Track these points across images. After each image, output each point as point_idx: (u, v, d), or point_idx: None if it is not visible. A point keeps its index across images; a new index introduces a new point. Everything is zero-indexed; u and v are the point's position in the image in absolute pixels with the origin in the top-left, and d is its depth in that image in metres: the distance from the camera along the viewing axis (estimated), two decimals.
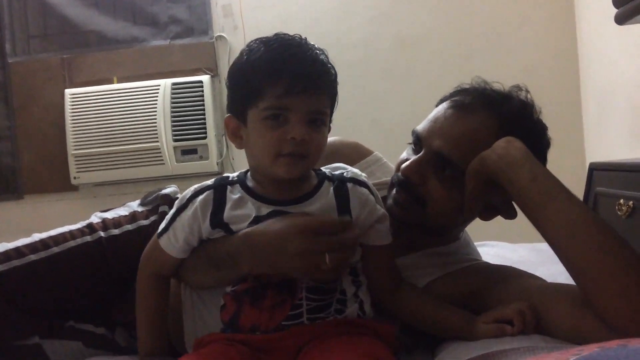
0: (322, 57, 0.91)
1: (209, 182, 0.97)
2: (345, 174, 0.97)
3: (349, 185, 0.96)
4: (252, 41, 0.93)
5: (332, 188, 0.95)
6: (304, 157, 0.89)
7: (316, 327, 0.89)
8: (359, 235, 0.93)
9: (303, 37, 0.92)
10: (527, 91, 1.08)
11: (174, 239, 0.95)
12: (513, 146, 0.93)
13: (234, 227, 0.92)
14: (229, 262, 0.91)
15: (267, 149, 0.89)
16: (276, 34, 0.92)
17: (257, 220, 0.91)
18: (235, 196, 0.94)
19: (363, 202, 0.94)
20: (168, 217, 0.97)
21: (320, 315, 0.90)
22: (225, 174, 1.00)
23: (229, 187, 0.95)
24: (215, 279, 0.95)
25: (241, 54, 0.93)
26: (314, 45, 0.92)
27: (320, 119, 0.90)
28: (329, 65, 0.92)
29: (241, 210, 0.92)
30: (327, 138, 0.94)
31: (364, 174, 1.00)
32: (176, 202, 0.98)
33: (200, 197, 0.94)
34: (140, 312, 1.00)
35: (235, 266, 0.91)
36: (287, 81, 0.85)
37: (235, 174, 0.99)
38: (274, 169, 0.90)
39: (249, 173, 0.98)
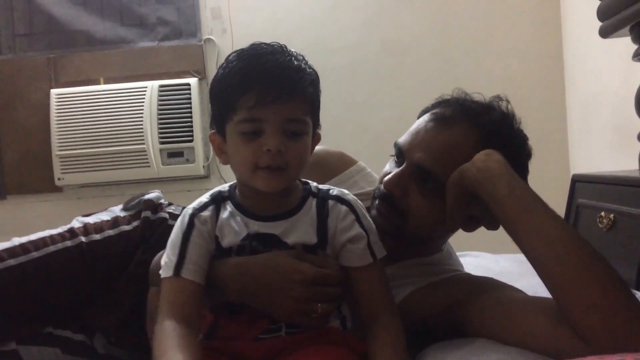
0: (296, 63, 0.88)
1: (205, 198, 0.95)
2: (331, 192, 0.96)
3: (331, 202, 0.94)
4: (229, 55, 0.92)
5: (314, 203, 0.94)
6: (283, 169, 0.87)
7: (294, 338, 0.89)
8: (332, 256, 0.93)
9: (281, 44, 0.91)
10: (508, 101, 1.08)
11: (197, 266, 0.88)
12: (492, 159, 0.93)
13: (223, 243, 0.91)
14: (217, 285, 0.90)
15: (245, 162, 0.87)
16: (252, 44, 0.91)
17: (249, 237, 0.90)
18: (227, 212, 0.93)
19: (339, 219, 0.93)
20: (174, 249, 0.90)
21: (299, 329, 0.90)
22: (217, 188, 0.98)
23: (222, 202, 0.94)
24: None
25: (219, 67, 0.91)
26: (291, 51, 0.90)
27: (298, 127, 0.88)
28: (306, 70, 0.90)
29: (231, 227, 0.92)
30: (308, 147, 0.92)
31: (350, 194, 0.98)
32: (177, 229, 0.93)
33: (205, 214, 0.92)
34: None
35: (222, 291, 0.90)
36: (257, 91, 0.84)
37: (226, 187, 0.98)
38: (253, 183, 0.89)
39: (237, 189, 0.97)
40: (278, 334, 0.89)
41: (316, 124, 0.94)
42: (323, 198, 0.95)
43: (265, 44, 0.90)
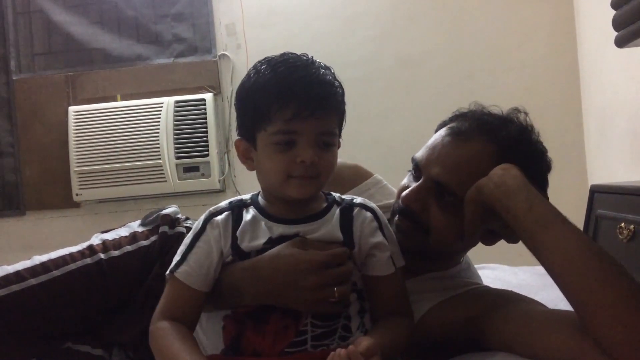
0: (328, 77, 0.90)
1: (224, 204, 0.97)
2: (354, 200, 0.98)
3: (356, 209, 0.96)
4: (258, 62, 0.93)
5: (338, 210, 0.96)
6: (314, 177, 0.90)
7: (317, 355, 0.87)
8: (358, 260, 0.93)
9: (310, 56, 0.92)
10: (526, 113, 1.07)
11: (193, 270, 0.91)
12: (509, 174, 0.92)
13: (244, 246, 0.92)
14: (231, 292, 0.90)
15: (277, 172, 0.89)
16: (282, 55, 0.92)
17: (270, 242, 0.91)
18: (249, 216, 0.94)
19: (364, 225, 0.94)
20: (182, 248, 0.94)
21: (324, 342, 0.89)
22: (238, 196, 1.00)
23: (244, 208, 0.96)
24: (216, 305, 0.95)
25: (248, 75, 0.92)
26: (320, 63, 0.92)
27: (330, 139, 0.90)
28: (336, 84, 0.92)
29: (253, 229, 0.93)
30: (337, 155, 0.94)
31: (373, 203, 0.99)
32: (191, 231, 0.95)
33: (220, 218, 0.94)
34: None
35: (238, 296, 0.90)
36: (295, 105, 0.85)
37: (248, 196, 0.99)
38: (285, 190, 0.90)
39: (260, 194, 0.98)
40: (304, 347, 0.88)
41: (341, 133, 0.96)
42: (347, 205, 0.97)
43: (294, 54, 0.92)
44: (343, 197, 0.99)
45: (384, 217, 0.98)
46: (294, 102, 0.85)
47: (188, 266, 0.91)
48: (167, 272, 0.93)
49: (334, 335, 0.90)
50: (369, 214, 0.96)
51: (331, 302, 0.87)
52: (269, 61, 0.91)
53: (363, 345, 0.79)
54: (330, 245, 0.91)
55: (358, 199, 0.99)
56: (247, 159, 0.95)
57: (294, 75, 0.87)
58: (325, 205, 0.96)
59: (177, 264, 0.92)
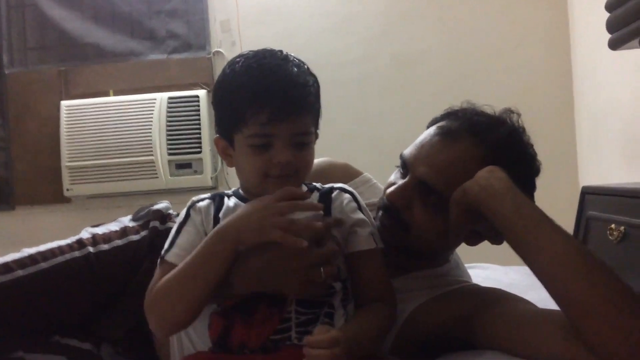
0: (302, 78, 0.91)
1: (206, 194, 1.00)
2: (333, 185, 1.01)
3: (335, 192, 0.98)
4: (233, 58, 0.94)
5: (318, 194, 0.98)
6: (292, 176, 0.91)
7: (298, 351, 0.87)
8: (340, 239, 0.94)
9: (284, 53, 0.94)
10: (519, 114, 1.07)
11: (183, 251, 0.92)
12: (495, 177, 0.92)
13: None
14: (221, 283, 0.89)
15: (255, 172, 0.91)
16: (256, 54, 0.93)
17: None
18: (232, 202, 0.97)
19: (342, 205, 0.97)
20: (170, 236, 0.96)
21: (308, 329, 0.89)
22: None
23: (225, 197, 0.99)
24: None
25: (223, 72, 0.94)
26: (294, 60, 0.93)
27: (306, 138, 0.92)
28: (310, 83, 0.93)
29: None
30: (313, 151, 0.95)
31: (351, 188, 1.01)
32: (177, 220, 0.98)
33: (202, 204, 0.97)
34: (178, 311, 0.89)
35: (227, 286, 0.90)
36: (269, 110, 0.87)
37: (229, 190, 1.02)
38: (263, 189, 0.92)
39: (240, 189, 1.01)
40: (288, 334, 0.89)
41: (317, 128, 0.97)
42: (327, 190, 0.99)
43: (269, 51, 0.93)
44: (322, 185, 1.01)
45: (362, 201, 1.00)
46: (268, 107, 0.87)
47: (177, 248, 0.93)
48: (158, 260, 0.94)
49: (317, 322, 0.90)
50: (347, 195, 0.98)
51: (319, 284, 0.87)
52: (245, 59, 0.92)
53: (326, 335, 0.79)
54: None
55: (337, 185, 1.01)
56: (227, 156, 0.97)
57: (268, 79, 0.88)
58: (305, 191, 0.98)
59: (166, 250, 0.94)
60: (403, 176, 1.06)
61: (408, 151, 1.07)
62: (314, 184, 1.02)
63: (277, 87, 0.88)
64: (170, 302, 0.88)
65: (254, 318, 0.89)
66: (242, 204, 0.96)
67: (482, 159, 0.99)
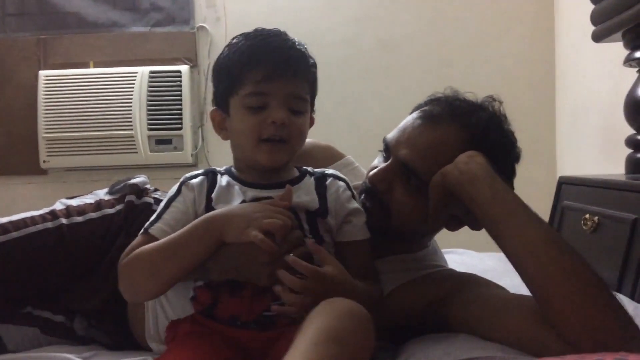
0: (299, 47, 0.95)
1: (199, 170, 1.01)
2: (326, 171, 1.02)
3: (329, 179, 1.00)
4: (233, 37, 0.97)
5: (312, 179, 0.99)
6: (285, 141, 0.92)
7: (290, 328, 0.87)
8: (333, 227, 0.96)
9: (282, 30, 0.97)
10: (500, 102, 1.08)
11: (169, 227, 0.92)
12: (474, 161, 0.93)
13: (217, 208, 0.93)
14: (199, 267, 0.90)
15: (249, 134, 0.92)
16: (256, 29, 0.97)
17: (244, 203, 0.93)
18: (224, 181, 0.97)
19: (338, 193, 0.98)
20: (158, 209, 0.96)
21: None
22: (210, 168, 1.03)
23: (218, 174, 0.99)
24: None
25: (223, 50, 0.97)
26: (293, 38, 0.97)
27: (301, 105, 0.94)
28: (308, 55, 0.97)
29: (228, 193, 0.95)
30: (307, 125, 0.98)
31: (343, 175, 1.03)
32: (167, 195, 0.98)
33: (195, 181, 0.97)
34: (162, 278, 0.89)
35: (204, 271, 0.90)
36: (265, 67, 0.90)
37: (221, 167, 1.02)
38: (255, 156, 0.93)
39: (232, 166, 1.02)
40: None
41: (313, 106, 1.00)
42: (320, 175, 1.01)
43: (267, 29, 0.96)
44: (315, 169, 1.03)
45: (353, 190, 1.02)
46: (264, 64, 0.90)
47: (163, 223, 0.93)
48: (141, 230, 0.93)
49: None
50: (342, 183, 1.00)
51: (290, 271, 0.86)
52: (243, 34, 0.96)
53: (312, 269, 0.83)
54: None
55: (329, 171, 1.03)
56: (222, 129, 0.99)
57: (266, 41, 0.93)
58: (298, 174, 1.00)
59: (151, 222, 0.94)
60: (385, 160, 1.07)
61: (390, 135, 1.08)
62: (305, 167, 1.03)
63: (274, 48, 0.92)
64: (143, 272, 0.88)
65: (243, 293, 0.90)
66: (235, 182, 0.97)
67: (462, 143, 0.99)
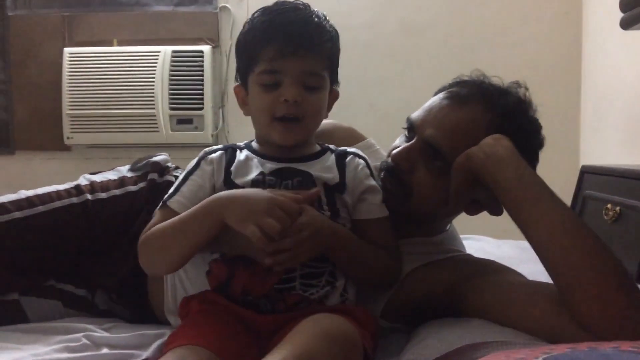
0: (317, 20, 0.94)
1: (218, 145, 1.02)
2: (347, 149, 1.03)
3: (349, 156, 1.00)
4: (255, 11, 0.96)
5: (333, 155, 1.00)
6: (298, 120, 0.92)
7: (295, 314, 0.89)
8: (349, 203, 0.96)
9: (305, 2, 0.96)
10: (526, 88, 1.07)
11: (186, 199, 0.94)
12: (500, 144, 0.92)
13: (238, 181, 0.94)
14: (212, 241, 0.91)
15: (263, 111, 0.93)
16: (276, 1, 0.96)
17: (262, 174, 0.94)
18: (243, 155, 0.98)
19: (357, 170, 0.98)
20: (176, 182, 0.98)
21: (312, 282, 0.91)
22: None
23: (237, 149, 1.00)
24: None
25: (244, 24, 0.97)
26: (314, 10, 0.95)
27: (316, 81, 0.93)
28: (326, 27, 0.95)
29: (247, 166, 0.96)
30: (324, 101, 0.97)
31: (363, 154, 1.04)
32: (186, 169, 1.00)
33: (214, 155, 0.98)
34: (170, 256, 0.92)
35: (216, 244, 0.91)
36: (277, 44, 0.89)
37: (242, 143, 1.03)
38: (270, 134, 0.94)
39: (254, 140, 1.02)
40: (292, 284, 0.90)
41: (334, 80, 0.99)
42: (341, 152, 1.01)
43: (289, 2, 0.95)
44: (336, 147, 1.03)
45: (372, 168, 1.02)
46: (276, 40, 0.89)
47: (181, 196, 0.95)
48: (160, 204, 0.96)
49: (321, 277, 0.92)
50: (361, 161, 1.00)
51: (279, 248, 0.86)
52: (263, 8, 0.95)
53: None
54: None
55: (351, 149, 1.03)
56: (245, 105, 0.99)
57: (280, 17, 0.91)
58: (318, 150, 1.00)
59: (169, 195, 0.95)
60: (408, 140, 1.06)
61: (415, 114, 1.07)
62: (327, 145, 1.03)
63: (287, 23, 0.90)
64: (157, 249, 0.91)
65: (256, 267, 0.91)
66: (253, 156, 0.98)
67: (488, 125, 0.99)
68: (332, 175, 0.96)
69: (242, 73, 0.97)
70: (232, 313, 0.90)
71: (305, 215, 0.87)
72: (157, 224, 0.93)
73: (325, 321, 0.79)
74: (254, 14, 0.96)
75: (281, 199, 0.85)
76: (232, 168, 0.96)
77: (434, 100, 1.07)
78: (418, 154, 1.03)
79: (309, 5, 0.95)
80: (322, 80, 0.94)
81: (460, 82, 1.09)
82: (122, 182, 1.26)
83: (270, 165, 0.96)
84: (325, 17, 0.96)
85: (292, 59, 0.89)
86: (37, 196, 1.18)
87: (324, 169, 0.96)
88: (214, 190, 0.95)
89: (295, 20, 0.91)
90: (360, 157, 1.01)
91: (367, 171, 0.99)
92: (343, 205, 0.96)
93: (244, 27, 0.97)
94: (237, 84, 1.00)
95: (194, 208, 0.89)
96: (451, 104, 1.03)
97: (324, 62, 0.94)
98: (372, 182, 0.99)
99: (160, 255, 0.91)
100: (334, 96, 1.01)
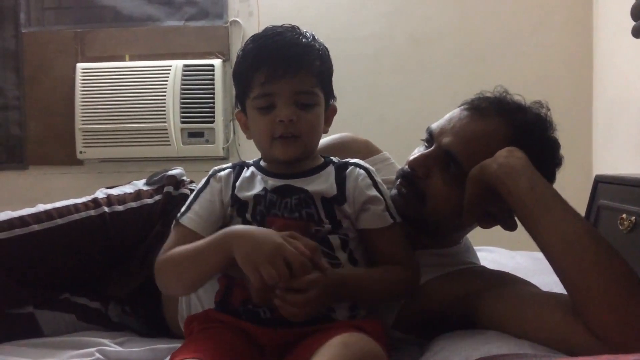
0: (304, 40, 0.96)
1: (228, 164, 1.05)
2: (350, 160, 1.03)
3: (350, 167, 1.01)
4: (247, 39, 1.00)
5: (333, 168, 1.00)
6: (297, 137, 0.94)
7: (304, 329, 0.88)
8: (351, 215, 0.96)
9: (293, 25, 0.99)
10: (548, 109, 1.08)
11: (197, 217, 0.97)
12: (514, 156, 0.93)
13: (241, 195, 0.97)
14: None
15: (262, 134, 0.96)
16: (265, 28, 0.99)
17: (265, 190, 0.96)
18: (249, 172, 1.01)
19: (357, 181, 0.98)
20: (188, 201, 1.00)
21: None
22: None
23: (245, 167, 1.03)
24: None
25: (238, 52, 1.00)
26: (301, 30, 0.98)
27: (309, 99, 0.95)
28: (314, 46, 0.97)
29: (251, 182, 0.99)
30: (320, 116, 0.98)
31: (367, 164, 1.03)
32: (197, 186, 1.03)
33: (222, 173, 1.02)
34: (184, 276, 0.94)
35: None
36: (267, 69, 0.92)
37: (251, 160, 1.06)
38: (272, 152, 0.96)
39: (261, 159, 1.04)
40: None
41: (329, 95, 1.00)
42: (342, 164, 1.02)
43: (277, 26, 0.98)
44: (340, 159, 1.03)
45: (377, 177, 1.01)
46: (265, 65, 0.92)
47: (192, 213, 0.97)
48: (174, 222, 0.98)
49: None
50: (362, 171, 1.00)
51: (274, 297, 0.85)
52: (253, 36, 0.99)
53: (304, 278, 0.83)
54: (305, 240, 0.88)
55: (353, 160, 1.03)
56: (247, 129, 1.02)
57: (268, 42, 0.95)
58: (321, 163, 1.01)
59: (182, 213, 0.98)
60: (427, 149, 1.07)
61: (435, 124, 1.09)
62: (331, 157, 1.04)
63: (274, 48, 0.94)
64: (171, 275, 0.94)
65: None
66: (258, 172, 1.00)
67: (506, 139, 0.99)
68: (330, 188, 0.96)
69: (240, 99, 1.00)
70: (234, 329, 0.91)
71: (315, 272, 0.85)
72: (173, 244, 0.95)
73: (356, 345, 0.78)
74: (246, 42, 0.99)
75: (290, 251, 0.83)
76: (237, 183, 0.99)
77: (455, 111, 1.08)
78: (434, 161, 1.04)
79: (297, 27, 0.98)
80: (315, 97, 0.96)
81: (483, 97, 1.10)
82: (138, 195, 1.28)
83: (272, 182, 0.97)
84: (314, 37, 0.99)
85: (283, 81, 0.92)
86: (56, 209, 1.20)
87: (322, 182, 0.97)
88: (223, 205, 0.98)
89: (283, 43, 0.94)
90: (361, 167, 1.01)
91: (369, 181, 0.99)
92: (344, 216, 0.96)
93: (237, 56, 1.00)
94: (237, 110, 1.03)
95: (208, 238, 0.90)
96: (470, 115, 1.05)
97: (315, 79, 0.96)
98: (374, 192, 0.98)
99: (175, 281, 0.94)
100: (331, 111, 1.03)
